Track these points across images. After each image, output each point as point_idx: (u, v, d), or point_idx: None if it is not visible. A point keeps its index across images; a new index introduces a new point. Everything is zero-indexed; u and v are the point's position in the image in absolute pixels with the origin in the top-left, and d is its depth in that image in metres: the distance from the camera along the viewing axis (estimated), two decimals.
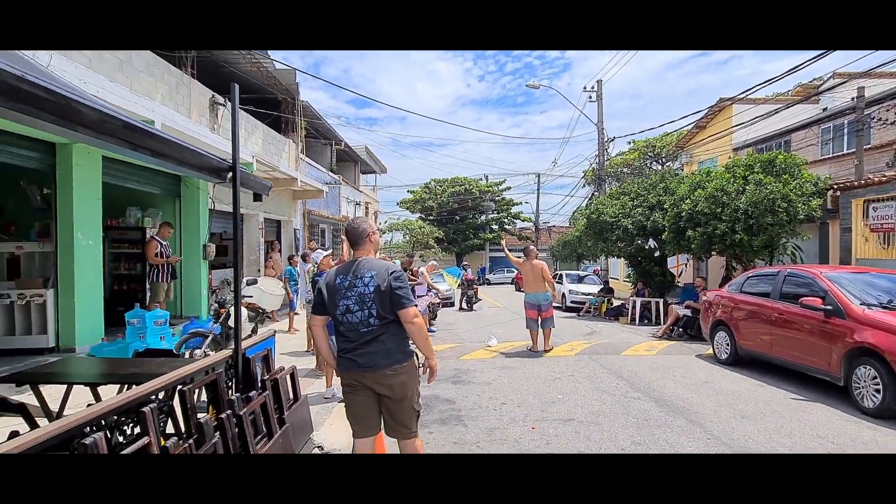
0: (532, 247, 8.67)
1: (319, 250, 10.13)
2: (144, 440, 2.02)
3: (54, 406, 3.15)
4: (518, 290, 26.02)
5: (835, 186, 10.30)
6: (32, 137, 5.26)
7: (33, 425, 2.65)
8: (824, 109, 15.11)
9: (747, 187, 8.98)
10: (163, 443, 2.14)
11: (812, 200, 8.82)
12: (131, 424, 2.26)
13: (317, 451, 3.97)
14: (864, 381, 4.87)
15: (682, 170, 19.88)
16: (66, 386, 3.20)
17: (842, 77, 15.40)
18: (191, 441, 2.20)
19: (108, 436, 1.95)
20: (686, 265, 13.56)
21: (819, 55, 9.38)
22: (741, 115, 16.03)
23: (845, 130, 13.53)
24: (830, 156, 14.37)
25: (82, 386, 3.19)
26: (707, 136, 17.72)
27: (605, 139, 18.94)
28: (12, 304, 5.56)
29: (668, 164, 24.58)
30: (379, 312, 2.67)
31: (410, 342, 2.80)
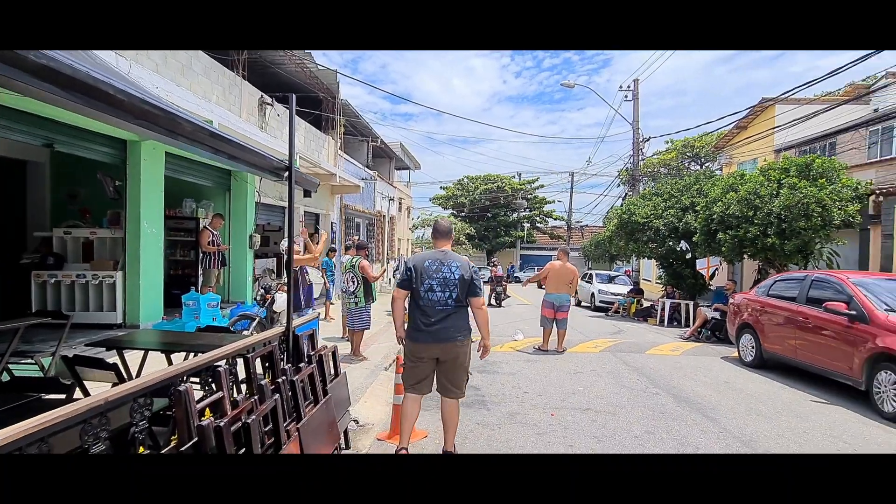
0: (566, 247, 8.88)
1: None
2: (219, 394, 2.45)
3: (133, 369, 3.67)
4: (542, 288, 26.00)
5: (878, 191, 10.07)
6: (108, 135, 5.87)
7: (122, 381, 3.14)
8: (875, 111, 14.59)
9: (781, 191, 8.92)
10: (232, 398, 2.57)
11: (849, 205, 8.69)
12: (208, 383, 2.71)
13: (353, 424, 4.40)
14: (885, 386, 4.94)
15: (721, 171, 19.52)
16: (143, 352, 3.72)
17: (894, 76, 14.84)
18: (254, 398, 2.63)
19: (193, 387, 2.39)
20: (718, 268, 13.42)
21: (866, 55, 9.14)
22: (784, 116, 15.62)
23: (894, 133, 13.08)
24: (878, 159, 13.90)
25: (157, 353, 3.69)
26: (747, 136, 17.37)
27: (640, 139, 18.80)
28: (87, 283, 6.23)
29: (707, 164, 24.12)
30: (458, 296, 3.40)
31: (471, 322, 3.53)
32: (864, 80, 18.85)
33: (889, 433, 4.51)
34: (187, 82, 7.26)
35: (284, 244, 6.00)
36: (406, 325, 3.62)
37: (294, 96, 3.48)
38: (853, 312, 5.47)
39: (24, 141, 5.01)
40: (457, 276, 3.42)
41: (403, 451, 3.56)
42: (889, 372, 4.90)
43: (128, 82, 3.08)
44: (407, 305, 3.66)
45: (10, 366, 3.65)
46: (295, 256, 5.93)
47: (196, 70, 7.65)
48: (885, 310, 5.28)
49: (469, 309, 3.52)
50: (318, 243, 7.02)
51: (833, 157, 13.27)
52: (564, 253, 8.30)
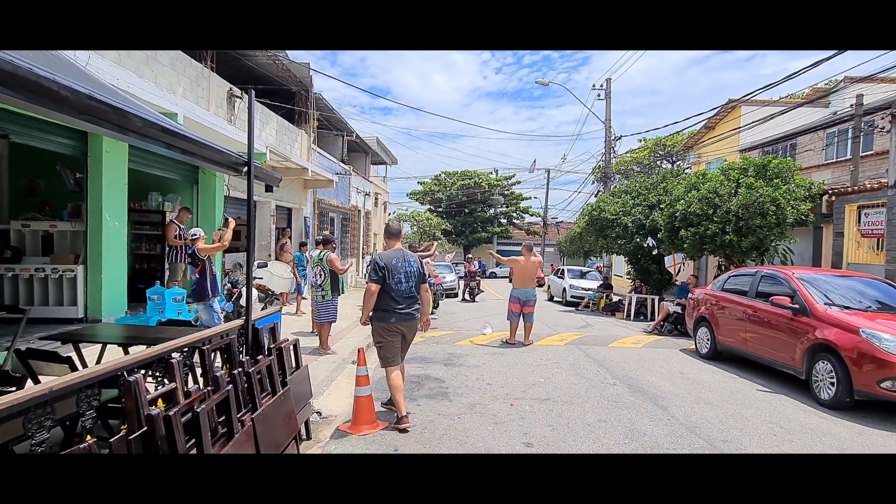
0: (530, 242, 9.10)
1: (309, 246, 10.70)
2: (172, 385, 2.50)
3: (91, 362, 3.67)
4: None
5: (830, 191, 10.55)
6: (66, 126, 5.76)
7: None
8: (834, 114, 15.22)
9: (739, 190, 9.29)
10: (186, 389, 2.63)
11: (802, 205, 9.11)
12: (161, 374, 2.76)
13: (315, 416, 4.48)
14: (822, 375, 5.25)
15: (690, 169, 20.06)
16: (100, 346, 3.72)
17: (851, 80, 15.49)
18: (208, 389, 2.69)
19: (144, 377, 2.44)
20: (683, 264, 13.87)
21: (828, 56, 9.43)
22: (749, 116, 16.16)
23: (849, 135, 13.68)
24: (834, 160, 14.52)
25: (114, 346, 3.70)
26: (714, 136, 17.90)
27: (612, 137, 19.18)
28: (47, 277, 6.12)
29: (678, 163, 24.74)
30: (417, 285, 4.37)
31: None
32: (826, 84, 19.60)
33: (822, 419, 4.82)
34: (151, 73, 7.16)
35: (194, 232, 6.00)
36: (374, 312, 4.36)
37: (253, 92, 3.52)
38: (796, 306, 5.78)
39: None
40: (415, 269, 4.39)
41: (406, 421, 4.18)
42: (826, 362, 5.21)
43: (82, 76, 3.08)
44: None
45: None
46: (202, 245, 5.95)
47: (161, 61, 7.53)
48: (825, 304, 5.61)
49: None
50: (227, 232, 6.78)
51: (792, 157, 13.83)
52: (528, 248, 8.52)
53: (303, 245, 11.14)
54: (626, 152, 28.45)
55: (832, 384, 5.09)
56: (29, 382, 2.94)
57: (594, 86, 19.70)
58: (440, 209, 39.86)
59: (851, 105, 11.84)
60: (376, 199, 24.91)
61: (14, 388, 2.72)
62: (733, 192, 9.42)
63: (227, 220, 6.46)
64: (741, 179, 9.55)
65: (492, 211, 41.25)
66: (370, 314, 4.37)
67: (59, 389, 1.80)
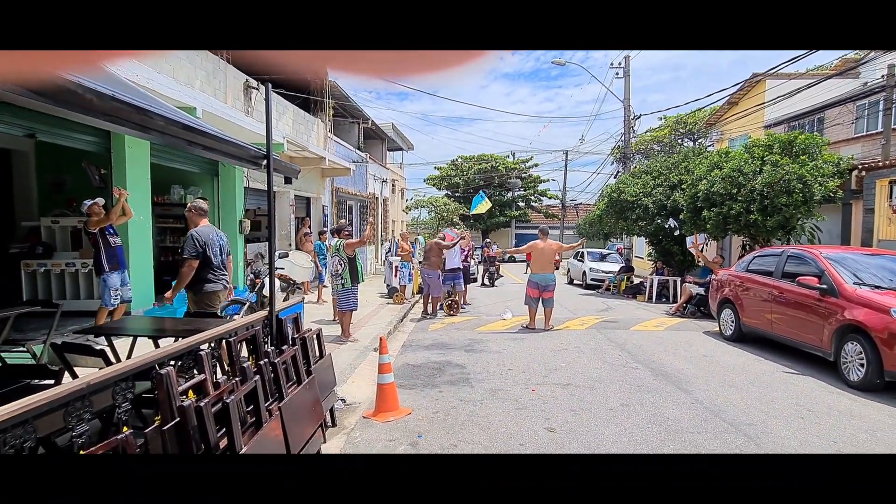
0: (545, 227, 9.04)
1: (328, 234, 10.65)
2: (201, 377, 2.58)
3: (122, 354, 3.80)
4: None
5: (860, 166, 10.19)
6: (90, 124, 5.89)
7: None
8: (864, 85, 14.61)
9: (764, 168, 9.03)
10: (215, 380, 2.70)
11: (830, 181, 8.82)
12: (190, 367, 2.84)
13: (339, 403, 4.57)
14: (851, 357, 5.14)
15: (712, 147, 19.56)
16: (131, 338, 3.84)
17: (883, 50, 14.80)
18: (236, 380, 2.76)
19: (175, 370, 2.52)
20: (705, 244, 13.60)
21: None
22: (774, 91, 15.60)
23: (880, 107, 13.13)
24: (864, 134, 13.99)
25: (145, 338, 3.82)
26: (738, 112, 17.37)
27: (631, 116, 18.77)
28: (76, 271, 6.33)
29: (700, 140, 24.12)
30: (226, 258, 4.81)
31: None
32: (856, 54, 18.78)
33: (852, 401, 4.73)
34: (169, 68, 7.23)
35: (85, 203, 5.57)
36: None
37: (270, 85, 3.53)
38: (824, 286, 5.64)
39: (4, 131, 5.03)
40: (225, 242, 4.87)
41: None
42: (855, 343, 5.09)
43: (103, 74, 3.13)
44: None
45: (3, 354, 3.77)
46: (94, 219, 5.56)
47: (178, 55, 7.60)
48: (854, 283, 5.46)
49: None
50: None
51: (819, 132, 13.36)
52: (544, 233, 8.50)
53: (322, 234, 11.25)
54: (647, 131, 27.79)
55: (861, 366, 4.98)
56: (66, 376, 3.05)
57: (612, 63, 19.26)
58: (457, 194, 39.70)
59: (883, 76, 11.35)
60: (393, 185, 24.93)
61: (53, 382, 2.83)
62: (758, 169, 9.17)
63: (118, 190, 5.66)
64: (766, 157, 9.28)
65: (509, 195, 40.90)
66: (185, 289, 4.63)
67: (96, 383, 1.88)
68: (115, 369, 2.06)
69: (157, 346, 3.90)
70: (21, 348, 4.03)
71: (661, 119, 28.16)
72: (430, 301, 9.62)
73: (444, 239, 9.96)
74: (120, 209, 5.67)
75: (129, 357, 3.83)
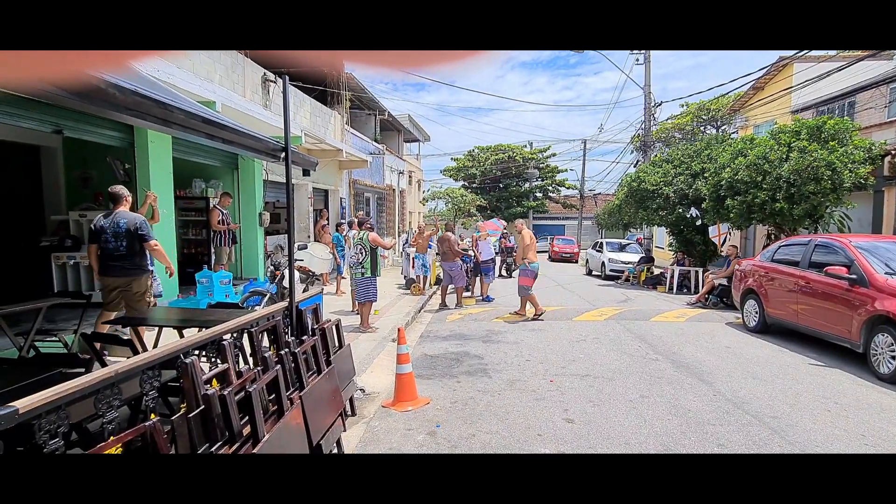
0: (523, 220, 9.45)
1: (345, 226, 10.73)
2: (224, 366, 2.63)
3: (149, 344, 3.91)
4: (552, 260, 26.16)
5: (893, 152, 9.82)
6: (114, 119, 6.01)
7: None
8: None
9: (791, 154, 8.77)
10: (237, 369, 2.76)
11: (861, 168, 8.52)
12: (214, 356, 2.90)
13: (359, 393, 4.62)
14: (882, 348, 4.99)
15: (736, 134, 19.07)
16: (157, 329, 3.94)
17: None
18: (258, 369, 2.82)
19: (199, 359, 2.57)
20: (729, 234, 13.32)
21: None
22: (803, 75, 15.08)
23: None
24: None
25: (170, 329, 3.92)
26: (764, 97, 16.87)
27: (652, 104, 18.39)
28: None
29: (723, 127, 23.52)
30: (129, 244, 4.46)
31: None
32: None
33: (882, 394, 4.60)
34: (189, 63, 7.33)
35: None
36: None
37: (287, 78, 3.55)
38: (853, 276, 5.48)
39: (34, 128, 5.17)
40: (124, 229, 4.52)
41: None
42: (886, 334, 4.94)
43: (128, 72, 3.18)
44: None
45: (37, 343, 3.91)
46: None
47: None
48: (886, 273, 5.29)
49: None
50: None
51: (850, 117, 12.90)
52: (524, 225, 8.85)
53: (339, 225, 11.32)
54: (668, 119, 27.20)
55: (893, 358, 4.84)
56: (96, 364, 3.15)
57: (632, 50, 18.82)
58: (474, 185, 39.55)
59: None
60: (410, 177, 24.95)
61: (83, 370, 2.93)
62: (784, 156, 8.90)
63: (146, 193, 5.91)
64: (793, 143, 9.00)
65: (527, 185, 40.58)
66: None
67: (124, 372, 1.93)
68: (141, 358, 2.12)
69: (181, 336, 4.00)
70: (53, 338, 4.17)
71: (682, 106, 27.54)
72: (447, 293, 9.66)
73: (478, 231, 10.33)
74: (147, 208, 5.84)
75: (155, 346, 3.94)
